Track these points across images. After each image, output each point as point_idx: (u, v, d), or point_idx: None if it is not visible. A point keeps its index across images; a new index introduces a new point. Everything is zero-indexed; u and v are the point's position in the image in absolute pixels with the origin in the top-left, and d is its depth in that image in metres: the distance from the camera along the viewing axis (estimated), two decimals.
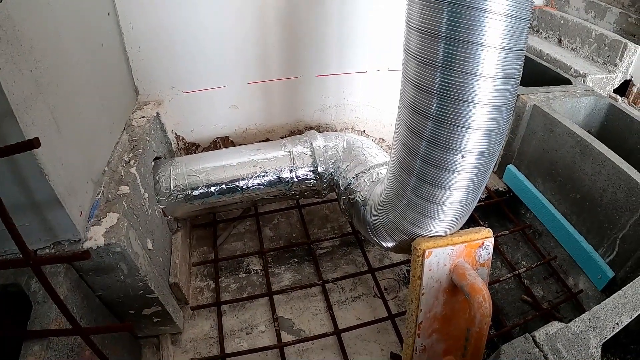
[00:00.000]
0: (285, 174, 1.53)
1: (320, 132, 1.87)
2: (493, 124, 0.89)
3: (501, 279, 1.55)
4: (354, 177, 1.41)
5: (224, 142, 1.79)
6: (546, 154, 1.82)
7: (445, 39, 0.80)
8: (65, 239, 1.05)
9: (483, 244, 1.16)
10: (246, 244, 1.69)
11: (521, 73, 0.89)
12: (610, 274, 1.52)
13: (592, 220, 1.62)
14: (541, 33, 3.75)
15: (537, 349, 0.90)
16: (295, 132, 1.85)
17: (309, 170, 1.53)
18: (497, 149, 0.97)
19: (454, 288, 1.16)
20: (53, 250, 1.05)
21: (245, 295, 1.49)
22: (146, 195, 1.34)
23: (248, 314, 1.44)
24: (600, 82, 3.07)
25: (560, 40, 3.57)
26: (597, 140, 1.64)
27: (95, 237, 1.05)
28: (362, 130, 1.93)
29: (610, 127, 2.15)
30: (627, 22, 3.26)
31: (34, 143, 0.65)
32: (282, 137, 1.85)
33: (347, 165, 1.48)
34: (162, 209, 1.48)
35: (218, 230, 1.72)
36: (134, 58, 1.54)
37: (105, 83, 1.36)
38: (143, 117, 1.54)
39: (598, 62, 3.23)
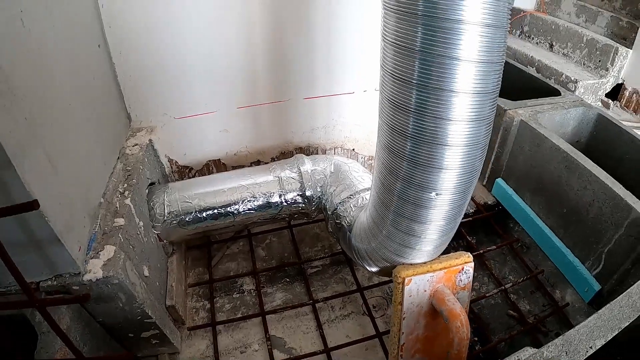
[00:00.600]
0: (275, 199, 1.62)
1: (309, 151, 1.98)
2: (467, 163, 0.98)
3: (487, 294, 1.65)
4: (340, 202, 1.51)
5: (216, 165, 1.89)
6: (534, 168, 1.92)
7: (419, 86, 0.89)
8: (66, 272, 1.15)
9: (463, 269, 1.26)
10: (240, 264, 1.79)
11: (494, 115, 0.98)
12: (597, 287, 1.61)
13: (579, 234, 1.71)
14: (532, 38, 3.84)
15: None
16: (285, 152, 1.94)
17: (298, 195, 1.63)
18: (471, 186, 1.06)
19: (435, 311, 1.26)
20: (55, 283, 1.15)
21: (239, 315, 1.59)
22: (141, 224, 1.43)
23: (242, 333, 1.54)
24: (592, 87, 3.16)
25: (551, 46, 3.66)
26: (583, 156, 1.73)
27: (94, 270, 1.15)
28: (352, 148, 2.03)
29: (600, 136, 2.24)
30: (619, 26, 3.34)
31: (34, 205, 0.75)
32: (272, 158, 1.95)
33: (334, 190, 1.58)
34: (157, 234, 1.58)
35: (212, 251, 1.82)
36: (126, 86, 1.63)
37: (99, 114, 1.45)
38: (136, 144, 1.63)
39: (590, 66, 3.32)
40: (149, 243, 1.48)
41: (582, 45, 3.36)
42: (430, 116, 0.91)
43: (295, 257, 1.79)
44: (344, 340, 1.48)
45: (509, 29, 0.86)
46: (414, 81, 0.88)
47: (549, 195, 1.84)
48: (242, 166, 1.93)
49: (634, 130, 3.01)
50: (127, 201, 1.36)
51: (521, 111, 2.01)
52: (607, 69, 3.17)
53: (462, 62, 0.83)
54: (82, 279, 1.14)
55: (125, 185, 1.43)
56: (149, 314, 1.30)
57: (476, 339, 1.54)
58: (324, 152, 2.00)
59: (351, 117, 1.93)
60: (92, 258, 1.18)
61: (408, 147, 0.98)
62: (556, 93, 2.33)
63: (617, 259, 1.55)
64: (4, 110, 0.91)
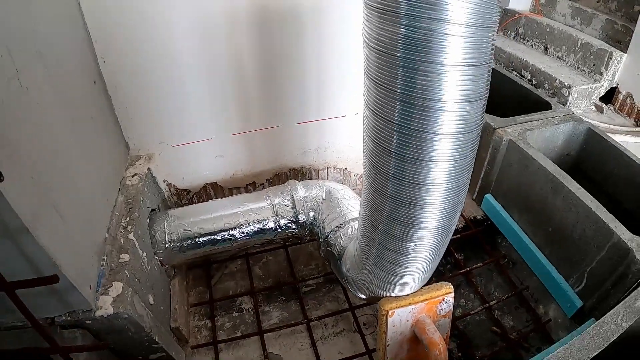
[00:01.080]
0: (270, 225, 1.75)
1: (303, 172, 2.10)
2: (444, 223, 1.11)
3: (472, 312, 1.80)
4: (331, 231, 1.64)
5: (213, 187, 2.01)
6: (521, 187, 2.04)
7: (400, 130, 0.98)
8: (79, 309, 1.29)
9: (444, 299, 1.40)
10: (238, 282, 1.94)
11: (469, 182, 1.09)
12: (579, 303, 1.75)
13: (563, 253, 1.85)
14: (527, 41, 3.89)
15: None
16: (279, 174, 2.07)
17: (291, 221, 1.76)
18: (446, 240, 1.19)
19: (417, 337, 1.41)
20: (69, 318, 1.29)
21: (239, 333, 1.75)
22: (144, 254, 1.57)
23: (242, 351, 1.70)
24: (585, 92, 3.24)
25: (546, 49, 3.71)
26: (569, 178, 1.84)
27: (105, 307, 1.29)
28: (344, 167, 2.15)
29: (589, 150, 2.36)
30: (614, 29, 3.39)
31: (54, 279, 0.88)
32: (267, 179, 2.07)
33: (326, 217, 1.71)
34: (159, 260, 1.72)
35: (212, 270, 1.97)
36: (123, 118, 1.73)
37: (99, 150, 1.57)
38: (136, 174, 1.75)
39: (584, 70, 3.38)
40: (153, 271, 1.63)
41: (577, 49, 3.42)
42: (410, 159, 1.00)
43: (291, 276, 1.94)
44: (337, 357, 1.64)
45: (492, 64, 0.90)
46: (394, 123, 0.96)
47: (535, 213, 1.97)
48: (238, 188, 2.06)
49: (626, 135, 3.12)
50: (131, 236, 1.50)
51: (510, 130, 2.11)
52: (601, 73, 3.24)
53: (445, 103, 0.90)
54: (94, 315, 1.29)
55: (128, 219, 1.56)
56: (156, 339, 1.45)
57: (460, 354, 1.70)
58: (317, 172, 2.12)
59: (343, 139, 2.04)
60: (102, 294, 1.32)
61: (387, 207, 1.10)
62: (547, 106, 2.43)
63: (598, 279, 1.69)
64: (16, 178, 1.02)
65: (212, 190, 2.03)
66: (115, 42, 1.55)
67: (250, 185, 2.06)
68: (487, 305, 1.82)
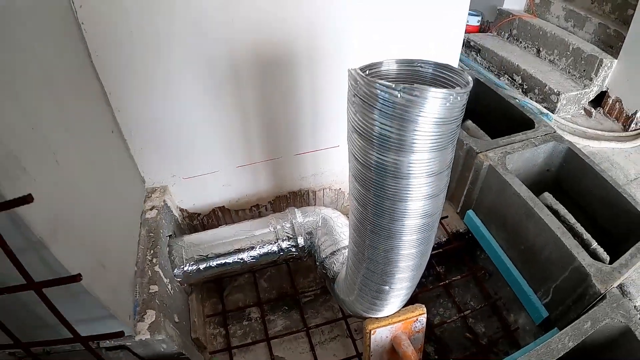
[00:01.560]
0: (273, 248, 2.07)
1: (301, 194, 2.41)
2: (411, 283, 1.44)
3: (448, 320, 2.16)
4: (326, 257, 1.97)
5: (221, 210, 2.33)
6: (499, 207, 2.31)
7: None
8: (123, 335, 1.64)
9: (417, 319, 1.75)
10: (246, 294, 2.30)
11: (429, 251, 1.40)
12: (545, 314, 2.06)
13: (533, 269, 2.14)
14: (521, 42, 4.05)
15: None
16: (280, 196, 2.37)
17: (291, 244, 2.08)
18: (417, 279, 1.52)
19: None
20: (112, 343, 1.65)
21: (249, 340, 2.12)
22: (168, 281, 1.91)
23: (252, 355, 2.08)
24: (575, 98, 3.46)
25: (539, 51, 3.88)
26: (541, 205, 2.10)
27: (142, 332, 1.63)
28: (338, 188, 2.46)
29: (568, 168, 2.61)
30: (606, 34, 3.55)
31: (120, 334, 1.21)
32: (269, 201, 2.38)
33: (322, 243, 2.03)
34: (178, 281, 2.06)
35: (224, 283, 2.33)
36: (138, 158, 2.01)
37: (124, 192, 1.87)
38: (153, 207, 2.06)
39: (574, 75, 3.58)
40: (175, 292, 1.97)
41: (568, 53, 3.59)
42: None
43: (292, 288, 2.29)
44: (332, 359, 2.03)
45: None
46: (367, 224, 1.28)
47: (510, 232, 2.26)
48: (244, 209, 2.37)
49: (612, 142, 3.37)
50: (156, 268, 1.83)
51: (491, 154, 2.38)
52: (591, 79, 3.44)
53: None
54: (134, 339, 1.64)
55: (152, 252, 1.89)
56: (182, 352, 1.81)
57: (437, 357, 2.08)
58: (314, 193, 2.43)
59: (337, 165, 2.33)
60: (138, 322, 1.67)
61: (364, 268, 1.42)
62: (531, 124, 2.66)
63: (561, 295, 1.99)
64: (65, 243, 1.32)
65: (220, 213, 2.35)
66: (128, 93, 1.77)
67: (254, 207, 2.38)
68: (463, 314, 2.18)
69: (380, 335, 1.70)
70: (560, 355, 1.60)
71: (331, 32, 1.84)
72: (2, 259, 0.94)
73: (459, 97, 0.94)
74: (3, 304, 1.21)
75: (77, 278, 1.01)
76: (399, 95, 0.90)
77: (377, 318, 1.70)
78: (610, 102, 3.53)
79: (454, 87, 1.04)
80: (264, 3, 1.67)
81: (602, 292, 1.80)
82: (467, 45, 4.27)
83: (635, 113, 3.46)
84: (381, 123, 0.98)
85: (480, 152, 2.39)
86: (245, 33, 1.72)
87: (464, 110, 1.01)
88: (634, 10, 3.28)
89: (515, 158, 2.43)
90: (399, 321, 1.71)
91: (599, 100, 3.64)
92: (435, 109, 0.92)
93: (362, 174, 1.14)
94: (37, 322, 1.40)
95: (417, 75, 1.17)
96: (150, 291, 1.76)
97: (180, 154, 2.05)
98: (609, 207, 2.35)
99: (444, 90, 0.89)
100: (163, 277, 1.86)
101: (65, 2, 1.46)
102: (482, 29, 4.74)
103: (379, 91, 0.93)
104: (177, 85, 1.80)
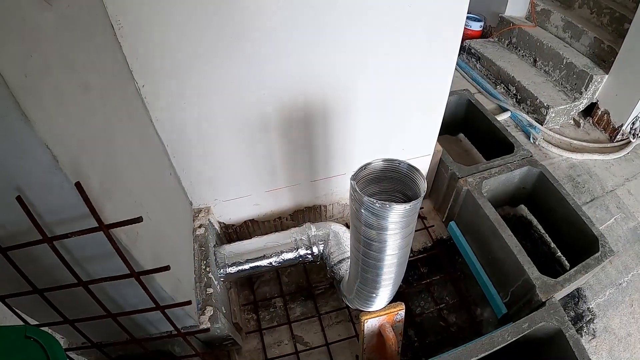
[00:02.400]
0: (294, 255, 2.84)
1: (315, 208, 3.14)
2: (392, 290, 2.20)
3: (427, 312, 2.95)
4: (334, 264, 2.74)
5: (251, 222, 3.07)
6: (474, 223, 2.91)
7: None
8: (189, 325, 2.45)
9: (398, 313, 2.53)
10: (272, 287, 3.10)
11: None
12: (504, 310, 2.61)
13: (498, 275, 2.68)
14: (519, 50, 4.48)
15: None
16: (298, 210, 3.10)
17: (308, 252, 2.84)
18: (396, 288, 2.28)
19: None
20: (183, 330, 2.45)
21: (275, 323, 2.93)
22: (217, 282, 2.70)
23: (277, 334, 2.90)
24: (564, 111, 3.97)
25: (535, 61, 4.32)
26: (505, 226, 2.66)
27: (205, 323, 2.40)
28: (345, 203, 3.18)
29: (539, 188, 3.16)
30: (600, 48, 3.94)
31: (188, 302, 2.00)
32: (289, 214, 3.12)
33: (332, 253, 2.79)
34: (222, 280, 2.86)
35: (253, 279, 3.13)
36: (188, 188, 2.67)
37: (179, 218, 2.62)
38: (201, 225, 2.81)
39: (566, 87, 4.00)
40: (221, 289, 2.77)
41: (562, 66, 3.98)
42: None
43: (307, 283, 3.09)
44: (337, 338, 2.84)
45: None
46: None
47: (481, 244, 2.91)
48: (269, 220, 3.12)
49: (595, 154, 3.91)
50: (210, 275, 2.60)
51: (470, 179, 3.00)
52: (581, 93, 3.80)
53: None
54: (199, 328, 2.45)
55: (205, 262, 2.65)
56: (230, 335, 2.64)
57: (416, 339, 2.89)
58: (325, 207, 3.16)
59: (344, 188, 3.04)
60: (201, 315, 2.47)
61: (358, 281, 2.18)
62: (511, 148, 3.27)
63: (516, 298, 2.53)
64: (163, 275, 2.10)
65: (250, 224, 3.10)
66: (180, 144, 2.38)
67: (277, 219, 3.12)
68: (439, 307, 2.97)
69: (371, 323, 2.50)
70: (499, 347, 2.37)
71: (341, 98, 2.49)
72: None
73: (416, 206, 1.65)
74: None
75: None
76: (378, 207, 1.62)
77: (369, 311, 2.49)
78: (600, 113, 3.97)
79: (418, 188, 1.75)
80: (291, 68, 2.24)
81: (543, 300, 2.38)
82: (468, 51, 4.74)
83: (621, 126, 3.85)
84: (365, 214, 1.70)
85: (461, 177, 3.06)
86: (274, 92, 2.31)
87: (419, 208, 1.72)
88: (630, 24, 3.54)
89: (491, 181, 3.08)
90: (385, 314, 2.48)
91: (590, 110, 4.08)
92: (399, 212, 1.64)
93: (356, 234, 1.88)
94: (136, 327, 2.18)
95: (396, 169, 1.87)
96: (207, 292, 2.55)
97: (221, 184, 2.75)
98: (569, 225, 2.87)
99: (404, 205, 1.61)
100: (214, 280, 2.65)
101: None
102: (484, 33, 5.14)
103: (365, 199, 1.65)
104: (219, 135, 2.46)
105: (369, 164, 1.87)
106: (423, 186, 1.73)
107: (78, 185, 1.18)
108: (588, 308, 3.11)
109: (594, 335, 2.96)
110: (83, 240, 1.40)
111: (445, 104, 2.79)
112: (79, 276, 1.47)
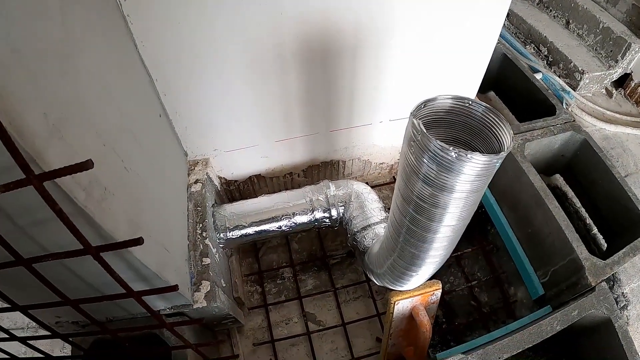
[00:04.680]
0: (310, 218, 2.38)
1: (332, 164, 2.66)
2: (435, 269, 1.76)
3: (457, 289, 2.55)
4: (357, 231, 2.29)
5: (257, 178, 2.60)
6: (513, 190, 2.54)
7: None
8: (180, 304, 2.02)
9: (433, 293, 2.12)
10: (280, 255, 2.67)
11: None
12: (541, 291, 2.35)
13: (536, 251, 2.41)
14: (550, 11, 3.99)
15: None
16: (312, 165, 2.62)
17: (325, 216, 2.39)
18: (441, 263, 1.84)
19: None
20: (173, 311, 2.01)
21: (282, 298, 2.54)
22: (215, 250, 2.25)
23: (286, 310, 2.51)
24: (598, 78, 3.56)
25: (568, 23, 3.86)
26: (552, 196, 2.31)
27: (200, 301, 1.99)
28: (367, 159, 2.70)
29: (581, 157, 2.78)
30: (638, 15, 3.53)
31: (175, 288, 1.56)
32: (302, 170, 2.64)
33: (354, 217, 2.33)
34: (221, 247, 2.41)
35: (258, 244, 2.69)
36: (182, 135, 2.22)
37: (171, 172, 2.12)
38: (197, 180, 2.33)
39: (601, 54, 3.65)
40: (220, 259, 2.33)
41: (597, 31, 3.61)
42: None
43: (321, 251, 2.66)
44: (355, 317, 2.45)
45: None
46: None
47: (520, 215, 2.51)
48: (278, 177, 2.65)
49: (628, 128, 3.49)
50: (207, 241, 2.15)
51: None
52: (616, 61, 3.51)
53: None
54: (193, 307, 2.02)
55: (201, 225, 2.20)
56: (230, 313, 2.23)
57: (444, 320, 2.51)
58: (344, 162, 2.68)
59: (368, 141, 2.55)
60: (195, 291, 2.04)
61: (401, 240, 1.73)
62: (552, 110, 2.80)
63: (557, 278, 2.27)
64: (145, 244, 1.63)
65: (256, 180, 2.62)
66: (172, 78, 1.93)
67: (288, 174, 2.65)
68: (470, 284, 2.57)
69: (402, 305, 2.08)
70: (547, 337, 1.99)
71: (375, 28, 1.95)
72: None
73: (498, 163, 1.17)
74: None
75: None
76: (454, 156, 1.14)
77: (400, 291, 2.07)
78: (633, 85, 3.64)
79: (497, 140, 1.27)
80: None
81: (592, 284, 2.11)
82: None
83: None
84: (428, 166, 1.23)
85: None
86: (293, 21, 1.83)
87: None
88: None
89: (533, 145, 2.61)
90: (419, 294, 2.07)
91: (622, 81, 3.73)
92: (479, 167, 1.17)
93: (407, 194, 1.41)
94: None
95: (468, 112, 1.38)
96: (203, 263, 2.10)
97: (222, 130, 2.26)
98: (612, 201, 2.57)
99: (490, 156, 1.13)
100: (212, 247, 2.20)
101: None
102: None
103: (434, 144, 1.16)
104: (222, 68, 1.95)
105: (433, 99, 1.38)
106: (508, 137, 1.26)
107: None
108: (622, 293, 2.76)
109: (627, 322, 2.63)
110: (26, 201, 1.00)
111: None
112: (17, 252, 1.00)
